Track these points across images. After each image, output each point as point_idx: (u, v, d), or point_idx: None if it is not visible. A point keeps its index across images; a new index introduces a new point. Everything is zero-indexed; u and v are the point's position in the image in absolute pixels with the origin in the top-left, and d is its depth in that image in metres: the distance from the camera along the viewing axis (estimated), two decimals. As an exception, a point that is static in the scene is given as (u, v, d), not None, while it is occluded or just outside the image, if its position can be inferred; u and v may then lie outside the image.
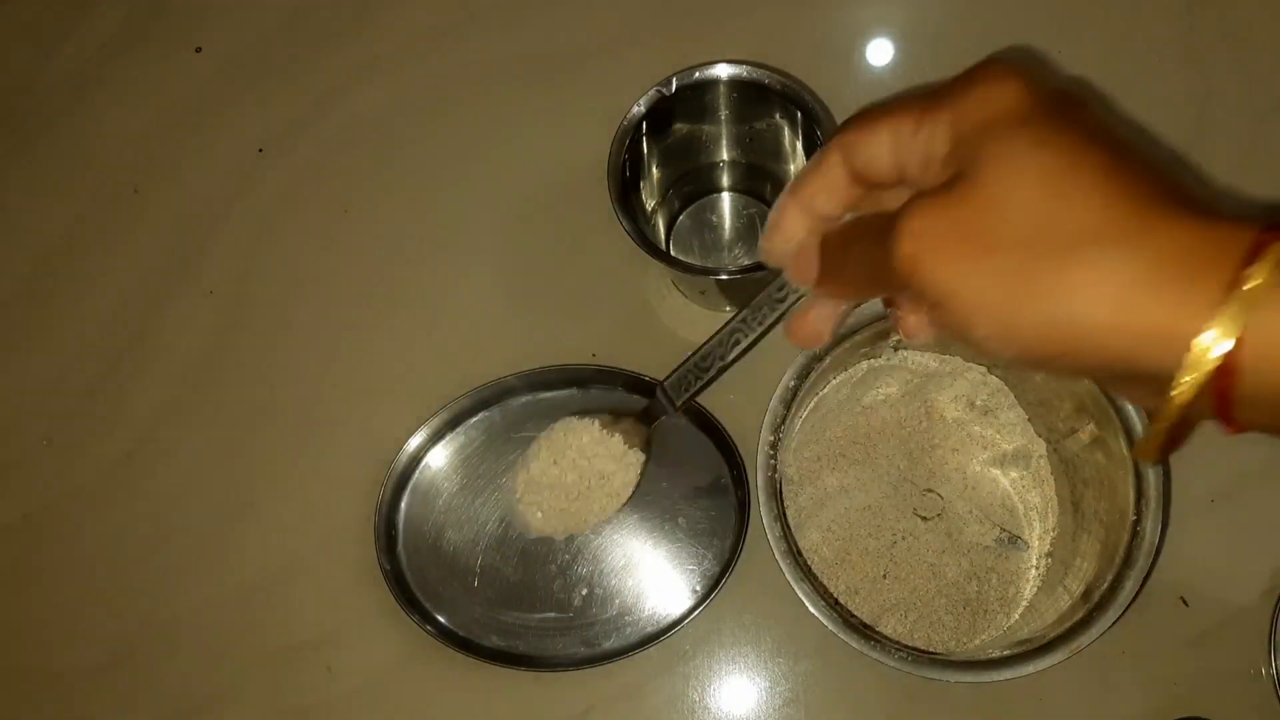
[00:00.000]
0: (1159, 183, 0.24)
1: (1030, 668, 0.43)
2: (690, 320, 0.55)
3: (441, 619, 0.51)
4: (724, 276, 0.48)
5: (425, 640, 0.50)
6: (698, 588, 0.51)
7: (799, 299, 0.36)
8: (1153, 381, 0.23)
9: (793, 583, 0.44)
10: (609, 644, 0.50)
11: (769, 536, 0.44)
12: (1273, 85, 0.57)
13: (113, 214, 0.60)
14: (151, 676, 0.53)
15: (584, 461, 0.46)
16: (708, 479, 0.52)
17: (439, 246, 0.58)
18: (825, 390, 0.51)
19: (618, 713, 0.50)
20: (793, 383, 0.46)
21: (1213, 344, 0.22)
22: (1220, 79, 0.57)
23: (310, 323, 0.57)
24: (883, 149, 0.28)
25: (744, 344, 0.40)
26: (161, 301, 0.58)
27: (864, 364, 0.51)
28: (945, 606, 0.49)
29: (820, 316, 0.33)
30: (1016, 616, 0.49)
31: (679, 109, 0.50)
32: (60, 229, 0.60)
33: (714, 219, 0.57)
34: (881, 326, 0.47)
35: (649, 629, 0.50)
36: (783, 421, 0.46)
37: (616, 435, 0.45)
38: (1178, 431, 0.24)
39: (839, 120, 0.49)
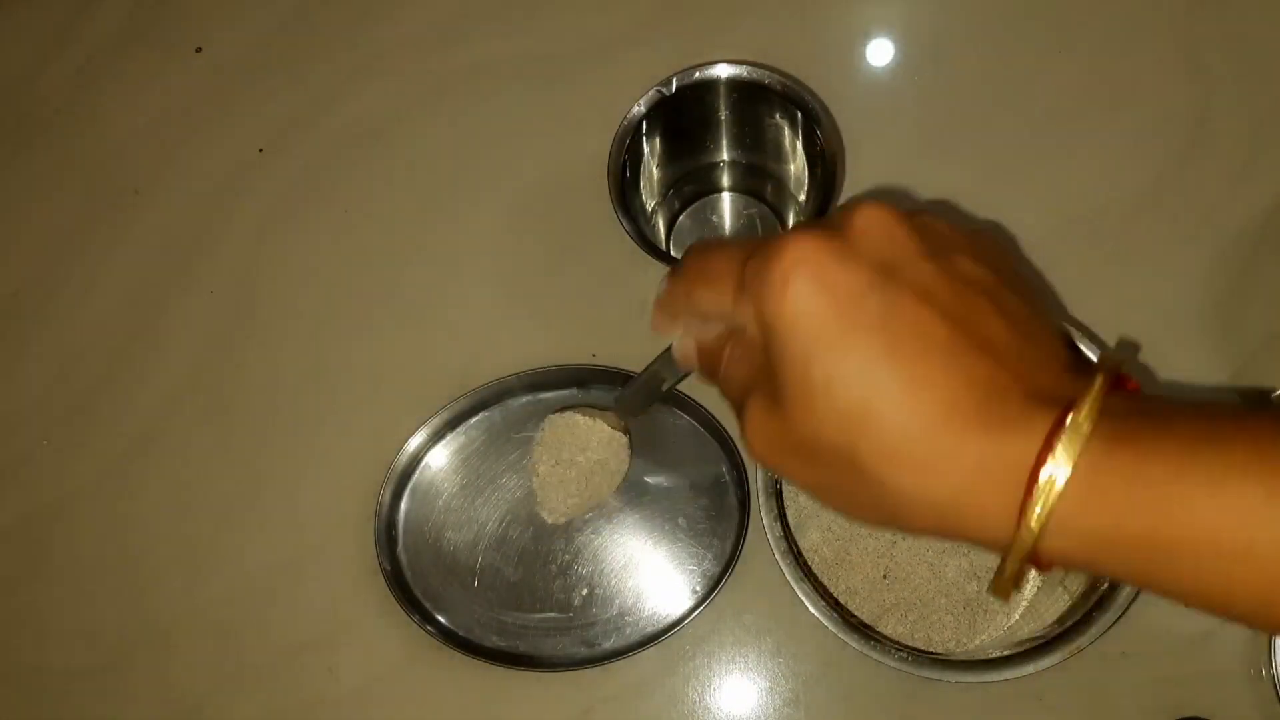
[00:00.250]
0: (951, 387, 0.25)
1: (1030, 668, 0.43)
2: (690, 320, 0.55)
3: (442, 619, 0.51)
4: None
5: (426, 640, 0.50)
6: (698, 588, 0.51)
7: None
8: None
9: (793, 583, 0.44)
10: (609, 644, 0.50)
11: (769, 536, 0.44)
12: (1273, 85, 0.57)
13: (113, 214, 0.60)
14: (151, 676, 0.53)
15: (580, 455, 0.46)
16: (708, 479, 0.52)
17: (439, 246, 0.58)
18: None
19: (618, 713, 0.50)
20: None
21: (1022, 540, 0.24)
22: (1220, 79, 0.57)
23: (310, 323, 0.57)
24: (711, 303, 0.30)
25: (667, 386, 0.40)
26: (161, 301, 0.58)
27: None
28: (945, 606, 0.49)
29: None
30: (1016, 616, 0.49)
31: (679, 109, 0.50)
32: (60, 229, 0.60)
33: (714, 219, 0.57)
34: None
35: (649, 629, 0.50)
36: None
37: (599, 421, 0.46)
38: (1016, 580, 0.27)
39: (838, 120, 0.49)
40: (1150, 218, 0.55)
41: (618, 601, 0.51)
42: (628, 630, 0.50)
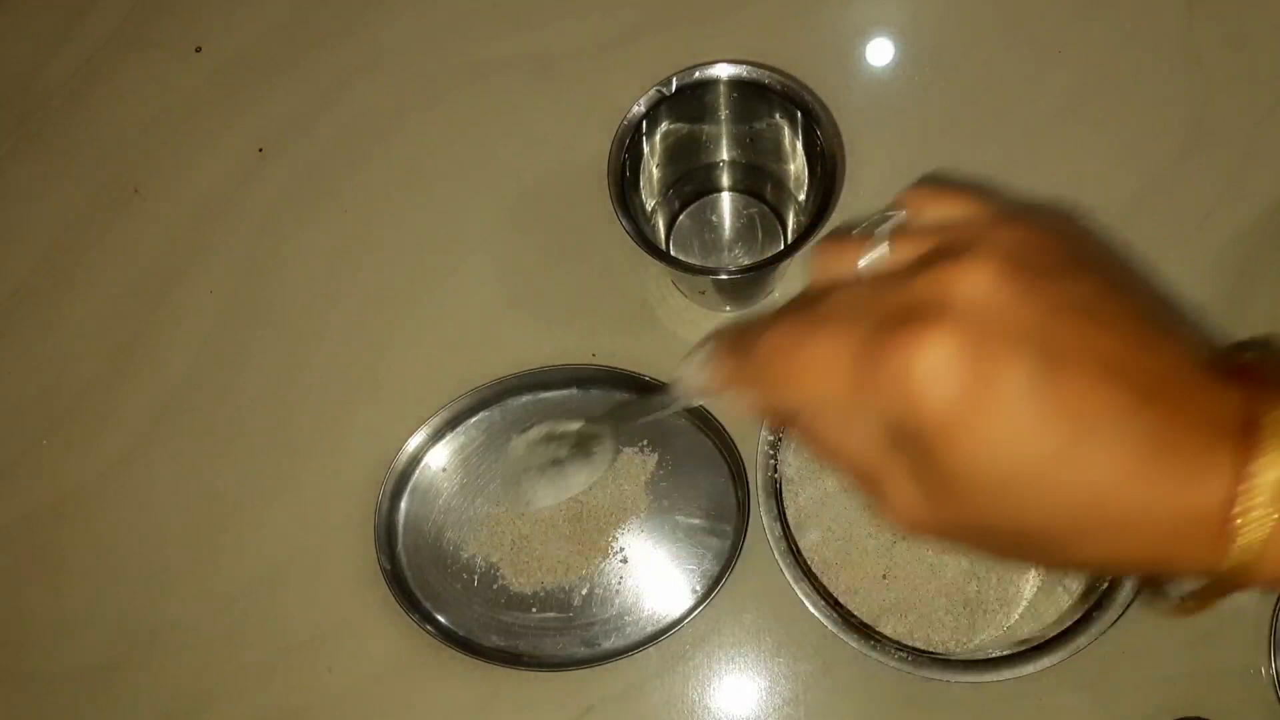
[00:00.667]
0: (1126, 448, 0.23)
1: (1030, 668, 0.43)
2: (690, 320, 0.55)
3: (441, 618, 0.51)
4: (724, 276, 0.48)
5: (425, 640, 0.50)
6: (698, 588, 0.51)
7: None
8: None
9: (792, 582, 0.44)
10: (609, 644, 0.50)
11: (769, 536, 0.44)
12: (1273, 85, 0.57)
13: (113, 214, 0.60)
14: (151, 676, 0.53)
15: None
16: (708, 479, 0.52)
17: (439, 246, 0.58)
18: None
19: (618, 712, 0.50)
20: None
21: (1251, 554, 0.23)
22: (1220, 79, 0.57)
23: (310, 322, 0.57)
24: (802, 395, 0.28)
25: (671, 410, 0.40)
26: (161, 301, 0.58)
27: None
28: (945, 606, 0.49)
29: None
30: (1016, 616, 0.49)
31: (679, 109, 0.50)
32: (60, 229, 0.60)
33: (714, 219, 0.57)
34: None
35: (649, 628, 0.50)
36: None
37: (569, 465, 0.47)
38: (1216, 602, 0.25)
39: (838, 120, 0.49)
40: (1149, 217, 0.55)
41: (618, 601, 0.51)
42: (628, 630, 0.50)
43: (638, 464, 0.52)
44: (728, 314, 0.56)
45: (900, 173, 0.57)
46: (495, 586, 0.51)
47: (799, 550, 0.46)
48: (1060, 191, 0.56)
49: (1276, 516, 0.22)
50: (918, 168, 0.57)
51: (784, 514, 0.45)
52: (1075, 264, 0.26)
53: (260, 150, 0.61)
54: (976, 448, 0.24)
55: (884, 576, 0.50)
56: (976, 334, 0.24)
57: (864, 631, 0.44)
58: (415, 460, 0.53)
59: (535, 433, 0.48)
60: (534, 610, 0.51)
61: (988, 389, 0.23)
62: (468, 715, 0.51)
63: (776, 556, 0.44)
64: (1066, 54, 0.59)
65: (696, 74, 0.48)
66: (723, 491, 0.52)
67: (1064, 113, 0.58)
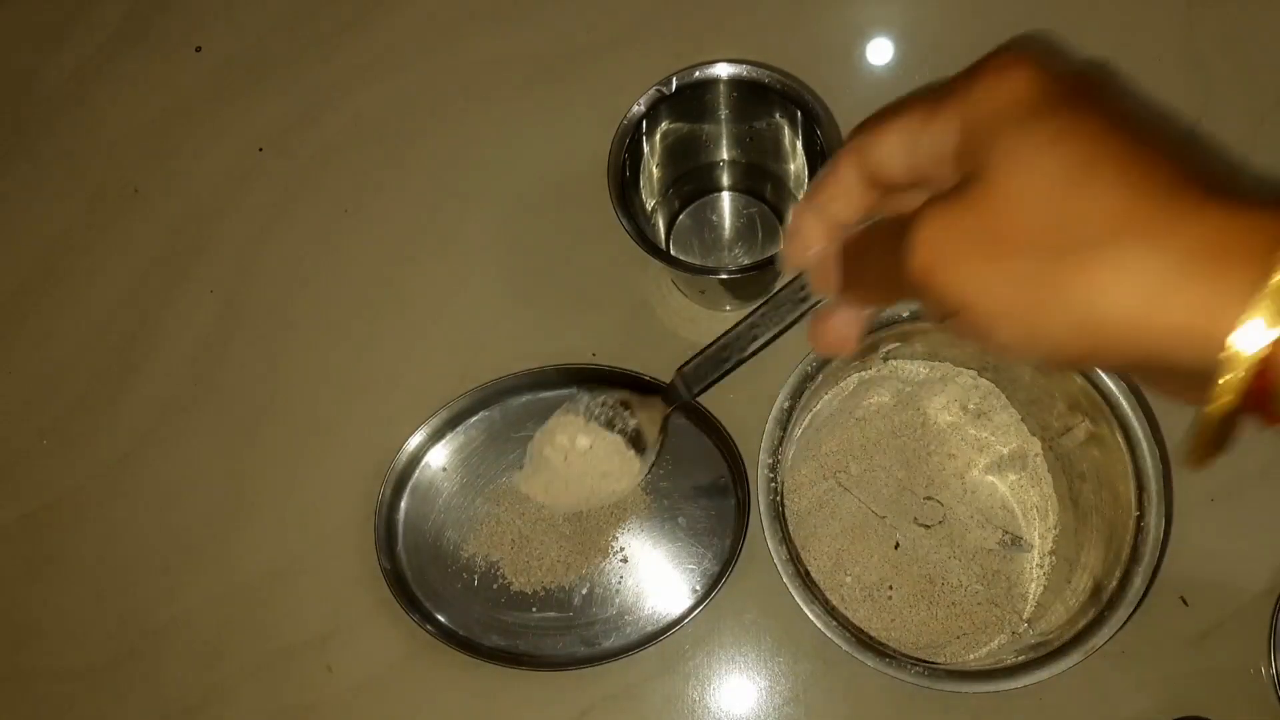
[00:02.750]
0: (1181, 170, 0.23)
1: (1045, 673, 0.42)
2: (690, 320, 0.55)
3: (441, 618, 0.51)
4: (724, 276, 0.48)
5: (425, 640, 0.50)
6: (698, 587, 0.51)
7: (819, 302, 0.35)
8: (1190, 377, 0.22)
9: (803, 605, 0.43)
10: (609, 644, 0.50)
11: (775, 559, 0.44)
12: (1273, 85, 0.57)
13: (113, 214, 0.60)
14: (151, 676, 0.53)
15: (585, 463, 0.47)
16: (708, 479, 0.52)
17: (439, 246, 0.58)
18: (818, 406, 0.51)
19: (618, 712, 0.50)
20: (787, 403, 0.46)
21: (1249, 341, 0.21)
22: (1220, 79, 0.57)
23: (310, 322, 0.57)
24: (895, 150, 0.27)
25: (762, 339, 0.39)
26: (161, 301, 0.58)
27: (854, 377, 0.52)
28: (953, 614, 0.49)
29: (844, 322, 0.33)
30: (1026, 618, 0.48)
31: (679, 109, 0.50)
32: (60, 229, 0.60)
33: (714, 218, 0.57)
34: (872, 339, 0.47)
35: (649, 629, 0.50)
36: (779, 443, 0.46)
37: (615, 436, 0.45)
38: (1223, 432, 0.23)
39: (838, 120, 0.49)
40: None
41: (617, 601, 0.51)
42: (628, 630, 0.50)
43: (638, 464, 0.52)
44: (728, 313, 0.56)
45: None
46: (495, 586, 0.51)
47: (806, 572, 0.46)
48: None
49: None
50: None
51: (789, 536, 0.45)
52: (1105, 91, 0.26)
53: (260, 150, 0.61)
54: (1045, 131, 0.24)
55: (889, 588, 0.50)
56: (1073, 79, 0.24)
57: (879, 649, 0.44)
58: (415, 460, 0.53)
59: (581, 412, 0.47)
60: (534, 610, 0.51)
61: (1070, 90, 0.24)
62: (468, 715, 0.51)
63: (785, 579, 0.44)
64: (1066, 53, 0.59)
65: (696, 74, 0.48)
66: (723, 491, 0.52)
67: (1064, 113, 0.58)
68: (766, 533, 0.44)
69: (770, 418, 0.46)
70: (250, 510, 0.55)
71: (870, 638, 0.46)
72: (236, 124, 0.61)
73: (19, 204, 0.61)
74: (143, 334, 0.58)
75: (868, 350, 0.49)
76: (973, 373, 0.51)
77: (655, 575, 0.51)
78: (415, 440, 0.52)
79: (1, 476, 0.57)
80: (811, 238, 0.31)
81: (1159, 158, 0.23)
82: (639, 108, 0.48)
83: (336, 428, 0.55)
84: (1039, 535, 0.50)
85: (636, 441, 0.47)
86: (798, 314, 0.37)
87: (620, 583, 0.51)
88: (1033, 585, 0.49)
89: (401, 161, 0.60)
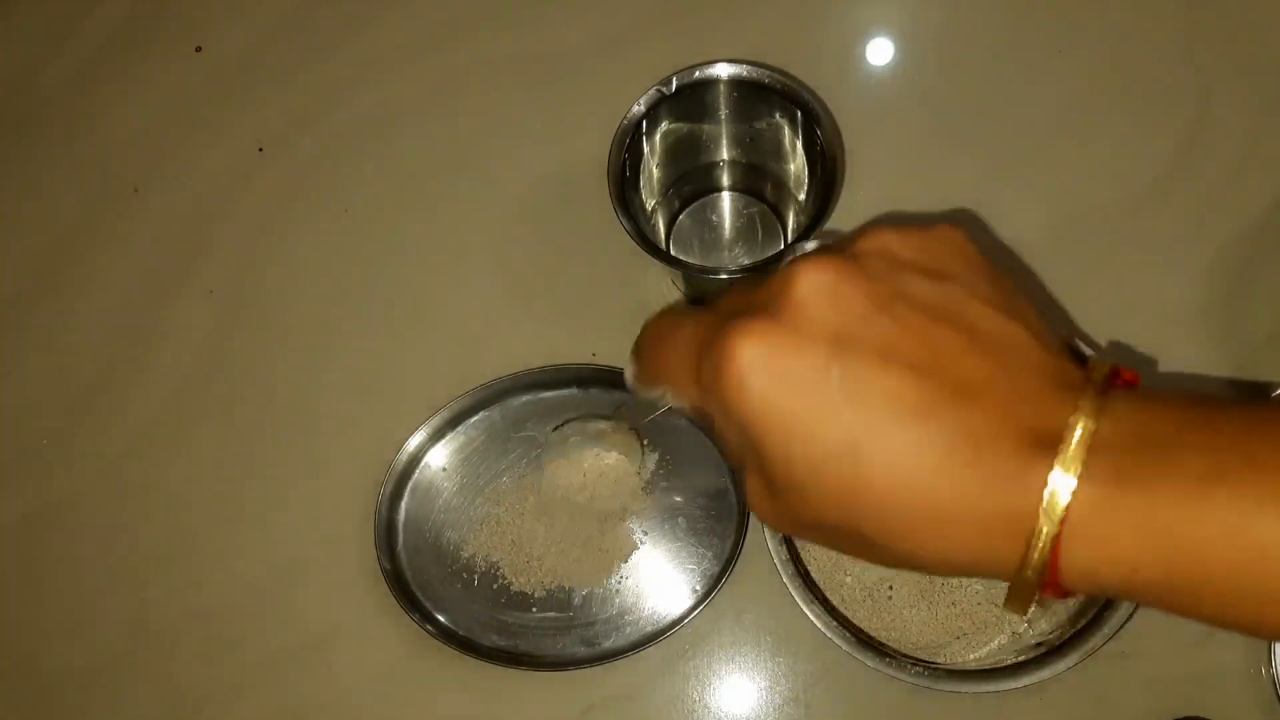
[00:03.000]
0: (936, 449, 0.24)
1: (1046, 673, 0.42)
2: (690, 320, 0.55)
3: (441, 618, 0.51)
4: (724, 276, 0.48)
5: (425, 640, 0.50)
6: (698, 588, 0.51)
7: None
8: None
9: (803, 605, 0.43)
10: (609, 644, 0.50)
11: (775, 559, 0.44)
12: (1273, 85, 0.57)
13: (113, 214, 0.60)
14: (151, 676, 0.53)
15: (585, 499, 0.50)
16: (708, 479, 0.52)
17: (439, 246, 0.58)
18: None
19: (618, 712, 0.50)
20: None
21: (1032, 589, 0.24)
22: (1220, 79, 0.57)
23: (310, 322, 0.57)
24: (677, 393, 0.30)
25: (652, 417, 0.41)
26: (161, 301, 0.58)
27: None
28: (953, 614, 0.49)
29: None
30: (1026, 619, 0.48)
31: (679, 109, 0.50)
32: (60, 229, 0.60)
33: (714, 219, 0.57)
34: None
35: (649, 628, 0.50)
36: None
37: (611, 456, 0.47)
38: (1040, 594, 0.25)
39: (838, 120, 0.49)
40: (1150, 216, 0.55)
41: (617, 601, 0.51)
42: (628, 630, 0.50)
43: (637, 463, 0.52)
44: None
45: (900, 172, 0.57)
46: (495, 586, 0.51)
47: (806, 571, 0.46)
48: (1059, 191, 0.56)
49: (1049, 529, 0.22)
50: (917, 167, 0.57)
51: (789, 537, 0.45)
52: (939, 267, 0.26)
53: (260, 150, 0.61)
54: (788, 441, 0.25)
55: (889, 587, 0.49)
56: (791, 329, 0.25)
57: (879, 650, 0.43)
58: (415, 460, 0.53)
59: (569, 433, 0.50)
60: (534, 610, 0.51)
61: (789, 381, 0.25)
62: (467, 715, 0.51)
63: (785, 580, 0.44)
64: (1066, 54, 0.59)
65: (696, 74, 0.48)
66: (723, 491, 0.52)
67: (1064, 113, 0.58)
68: (766, 533, 0.44)
69: None
70: (250, 510, 0.55)
71: (870, 638, 0.46)
72: (236, 124, 0.61)
73: (19, 204, 0.61)
74: (143, 334, 0.58)
75: None
76: None
77: (655, 575, 0.51)
78: (415, 440, 0.52)
79: (1, 476, 0.57)
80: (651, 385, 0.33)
81: (921, 442, 0.24)
82: (639, 108, 0.48)
83: (336, 428, 0.55)
84: None
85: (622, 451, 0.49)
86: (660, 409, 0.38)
87: (620, 583, 0.51)
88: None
89: (401, 162, 0.60)
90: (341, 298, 0.58)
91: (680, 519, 0.52)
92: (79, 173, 0.61)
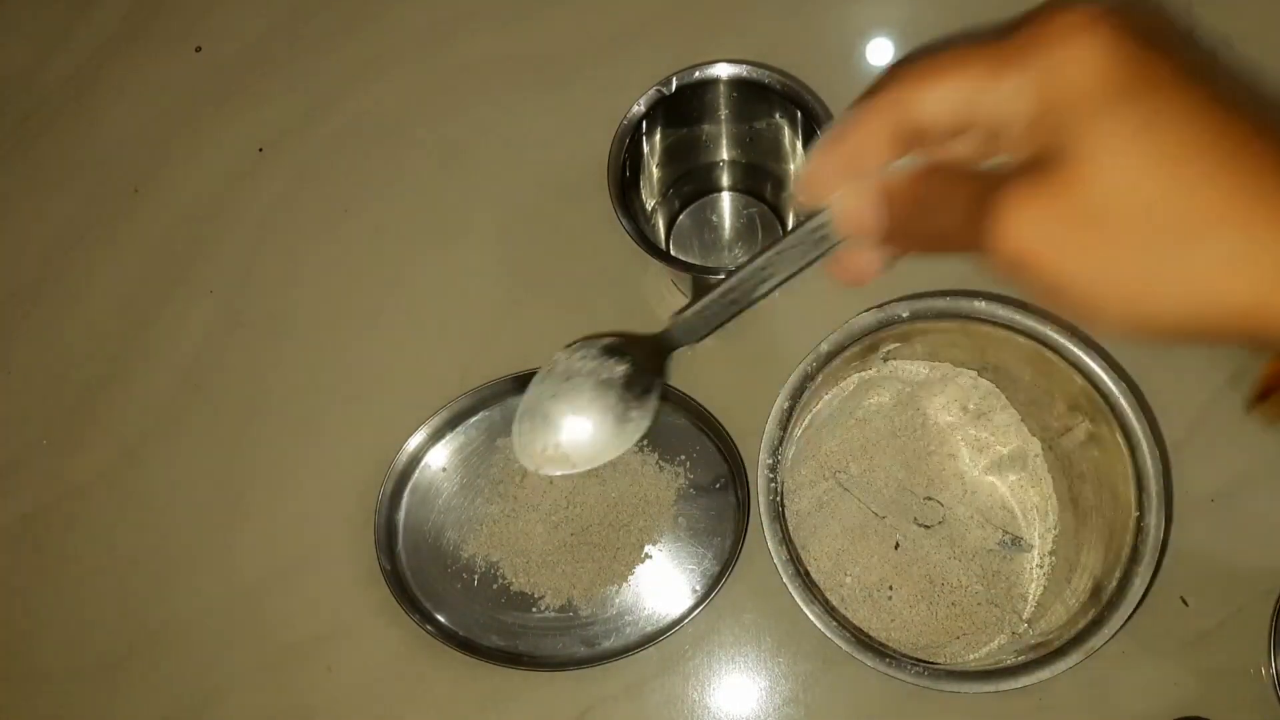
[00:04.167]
0: (1271, 152, 0.23)
1: (1046, 673, 0.42)
2: (690, 320, 0.55)
3: (441, 618, 0.51)
4: (724, 276, 0.48)
5: (425, 640, 0.50)
6: (697, 587, 0.51)
7: (838, 244, 0.32)
8: None
9: (803, 605, 0.43)
10: (609, 644, 0.50)
11: (775, 560, 0.44)
12: (1273, 85, 0.57)
13: (113, 214, 0.60)
14: (151, 676, 0.53)
15: (580, 419, 0.41)
16: (708, 479, 0.52)
17: (439, 246, 0.58)
18: (818, 406, 0.51)
19: (618, 712, 0.50)
20: (787, 403, 0.46)
21: None
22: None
23: (310, 322, 0.57)
24: (946, 103, 0.26)
25: (773, 283, 0.37)
26: (161, 301, 0.58)
27: (854, 377, 0.52)
28: (953, 614, 0.49)
29: (870, 259, 0.32)
30: (1026, 619, 0.48)
31: (679, 109, 0.50)
32: (60, 229, 0.60)
33: (714, 219, 0.57)
34: (872, 340, 0.47)
35: (649, 629, 0.50)
36: (779, 444, 0.46)
37: (612, 395, 0.41)
38: None
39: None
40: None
41: (617, 601, 0.51)
42: (627, 630, 0.50)
43: (637, 463, 0.52)
44: (728, 314, 0.56)
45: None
46: (495, 586, 0.51)
47: (806, 572, 0.46)
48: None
49: None
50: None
51: (789, 537, 0.45)
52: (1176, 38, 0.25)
53: (260, 150, 0.61)
54: (1135, 109, 0.23)
55: (889, 588, 0.49)
56: (1134, 34, 0.24)
57: (879, 650, 0.43)
58: (415, 460, 0.53)
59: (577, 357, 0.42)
60: (534, 610, 0.51)
61: (1153, 63, 0.23)
62: (468, 715, 0.51)
63: (785, 580, 0.43)
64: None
65: (696, 74, 0.48)
66: (723, 491, 0.52)
67: (1064, 113, 0.58)
68: (766, 533, 0.44)
69: (770, 418, 0.46)
70: (250, 510, 0.55)
71: (870, 638, 0.46)
72: (236, 124, 0.61)
73: (19, 204, 0.61)
74: (143, 334, 0.58)
75: (868, 351, 0.49)
76: (973, 373, 0.51)
77: (655, 575, 0.51)
78: (415, 440, 0.52)
79: (3, 476, 0.57)
80: (832, 182, 0.30)
81: (1250, 140, 0.23)
82: (639, 108, 0.48)
83: (337, 427, 0.55)
84: (1039, 535, 0.50)
85: (630, 387, 0.42)
86: (815, 255, 0.34)
87: (620, 583, 0.51)
88: (1033, 585, 0.49)
89: (401, 162, 0.60)
90: (341, 298, 0.58)
91: (680, 519, 0.52)
92: (79, 173, 0.61)
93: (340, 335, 0.57)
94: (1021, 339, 0.45)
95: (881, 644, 0.46)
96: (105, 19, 0.64)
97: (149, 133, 0.62)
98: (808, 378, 0.46)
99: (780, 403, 0.46)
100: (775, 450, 0.45)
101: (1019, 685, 0.42)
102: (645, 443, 0.52)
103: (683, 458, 0.52)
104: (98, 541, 0.55)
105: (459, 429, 0.53)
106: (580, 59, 0.61)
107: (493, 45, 0.61)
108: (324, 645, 0.52)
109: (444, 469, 0.53)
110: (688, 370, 0.54)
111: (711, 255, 0.56)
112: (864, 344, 0.47)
